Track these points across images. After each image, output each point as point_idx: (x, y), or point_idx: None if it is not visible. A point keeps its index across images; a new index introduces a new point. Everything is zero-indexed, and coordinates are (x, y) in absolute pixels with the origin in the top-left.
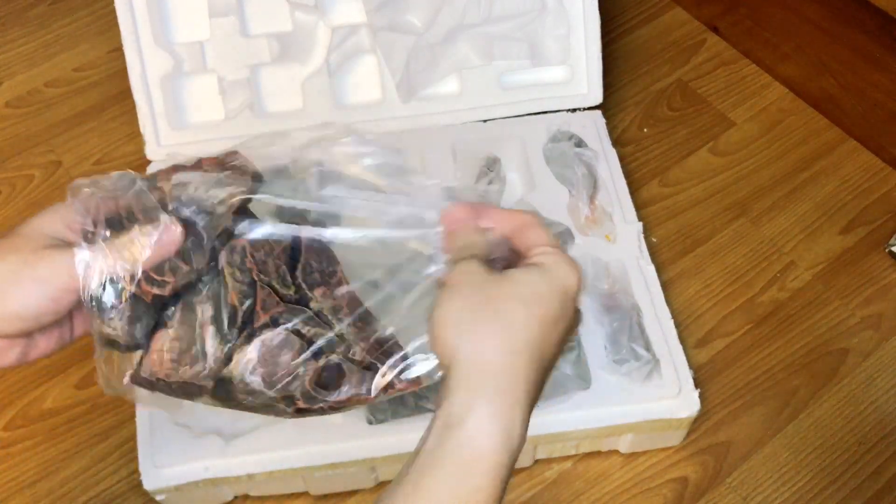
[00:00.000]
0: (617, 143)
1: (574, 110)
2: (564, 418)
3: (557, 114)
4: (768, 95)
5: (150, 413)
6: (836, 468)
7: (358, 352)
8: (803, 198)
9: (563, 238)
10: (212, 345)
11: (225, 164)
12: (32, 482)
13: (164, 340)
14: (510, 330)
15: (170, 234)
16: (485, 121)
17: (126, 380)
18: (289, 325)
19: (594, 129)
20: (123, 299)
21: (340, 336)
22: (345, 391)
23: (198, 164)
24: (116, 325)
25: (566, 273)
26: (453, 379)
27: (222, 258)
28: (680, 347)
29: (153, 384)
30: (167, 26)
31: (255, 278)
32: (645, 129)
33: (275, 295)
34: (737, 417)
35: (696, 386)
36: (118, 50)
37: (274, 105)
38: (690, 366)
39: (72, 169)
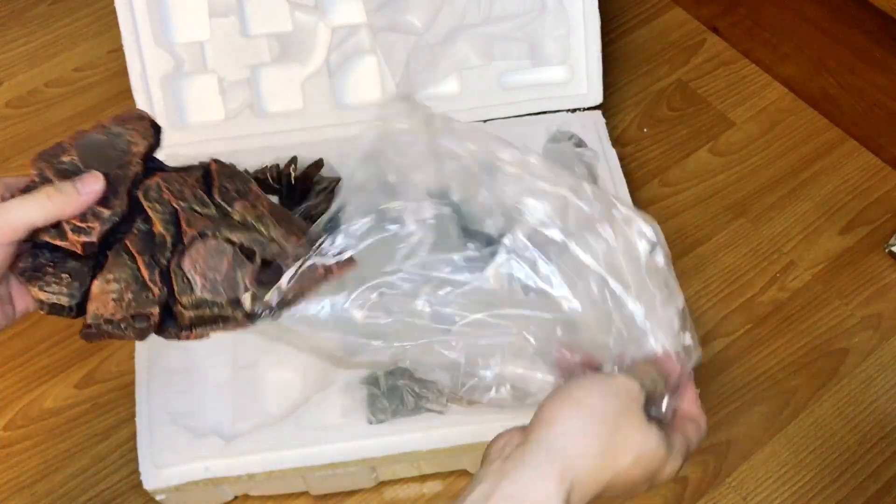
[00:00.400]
0: (617, 143)
1: (574, 110)
2: None
3: (557, 114)
4: (768, 95)
5: (149, 413)
6: (836, 468)
7: (290, 249)
8: (803, 198)
9: None
10: (148, 272)
11: (125, 120)
12: (32, 482)
13: (103, 284)
14: (611, 469)
15: (91, 182)
16: (485, 121)
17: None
18: (218, 234)
19: (594, 129)
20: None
21: (271, 239)
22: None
23: (98, 125)
24: (55, 289)
25: (674, 470)
26: (540, 458)
27: (140, 198)
28: None
29: (101, 329)
30: (167, 26)
31: (176, 206)
32: (645, 129)
33: (197, 214)
34: (737, 417)
35: (696, 386)
36: (118, 50)
37: (274, 105)
38: None
39: None
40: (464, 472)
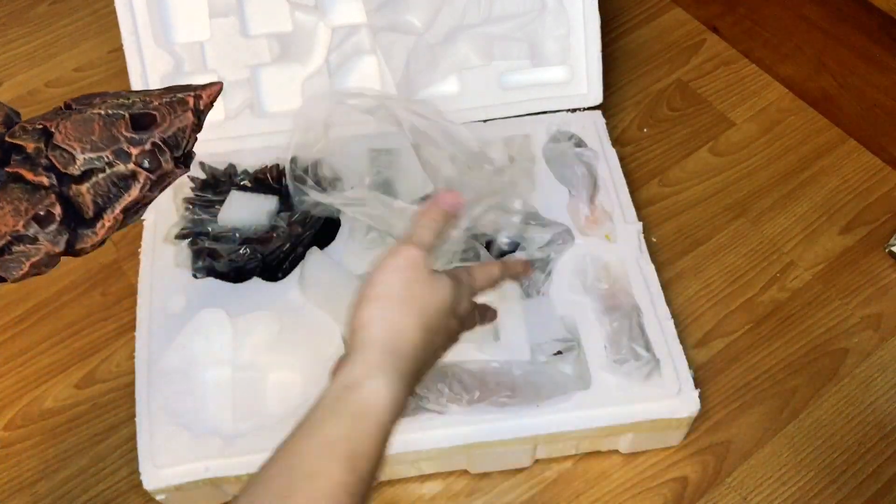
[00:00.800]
0: (617, 143)
1: (574, 110)
2: (564, 418)
3: (557, 114)
4: (768, 95)
5: (150, 413)
6: (835, 468)
7: (154, 99)
8: (803, 198)
9: (563, 238)
10: (32, 173)
11: None
12: (32, 482)
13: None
14: (424, 333)
15: None
16: (485, 121)
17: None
18: (80, 108)
19: (594, 129)
20: None
21: (133, 102)
22: (167, 125)
23: None
24: None
25: (469, 304)
26: (360, 345)
27: (7, 140)
28: (680, 347)
29: (14, 252)
30: (167, 27)
31: (41, 125)
32: (645, 129)
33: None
34: (737, 417)
35: (696, 386)
36: (118, 50)
37: (274, 105)
38: (690, 366)
39: None
40: (464, 472)
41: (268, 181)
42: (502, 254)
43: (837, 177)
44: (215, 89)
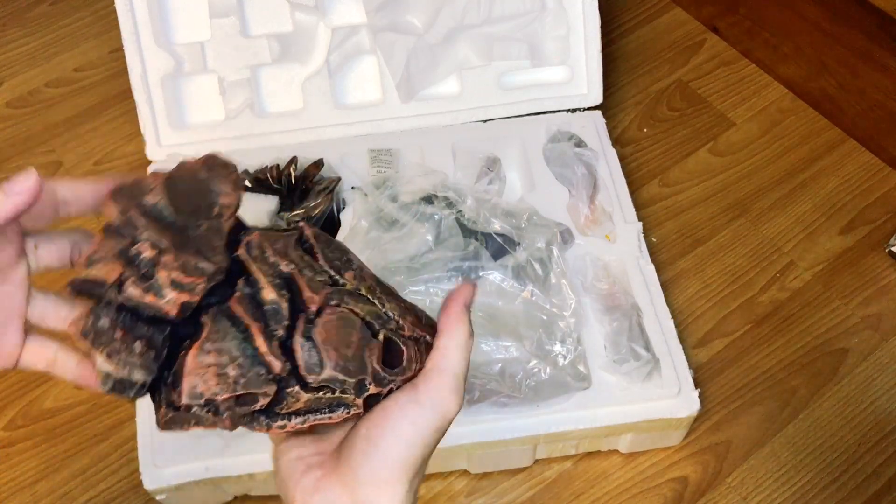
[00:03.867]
0: (617, 143)
1: (574, 110)
2: (564, 418)
3: (557, 114)
4: (768, 95)
5: (150, 413)
6: (835, 468)
7: (406, 327)
8: (803, 198)
9: (563, 237)
10: (267, 344)
11: (211, 167)
12: (33, 482)
13: (201, 357)
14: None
15: (21, 180)
16: (485, 121)
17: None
18: (342, 304)
19: (594, 129)
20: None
21: (388, 316)
22: (410, 374)
23: (182, 167)
24: (125, 359)
25: (448, 404)
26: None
27: (243, 254)
28: (680, 347)
29: (191, 414)
30: (168, 27)
31: (287, 268)
32: (645, 130)
33: (318, 280)
34: (736, 417)
35: (696, 386)
36: (119, 50)
37: (274, 105)
38: (690, 365)
39: (73, 169)
40: (464, 472)
41: (268, 181)
42: (500, 251)
43: (837, 177)
44: None
